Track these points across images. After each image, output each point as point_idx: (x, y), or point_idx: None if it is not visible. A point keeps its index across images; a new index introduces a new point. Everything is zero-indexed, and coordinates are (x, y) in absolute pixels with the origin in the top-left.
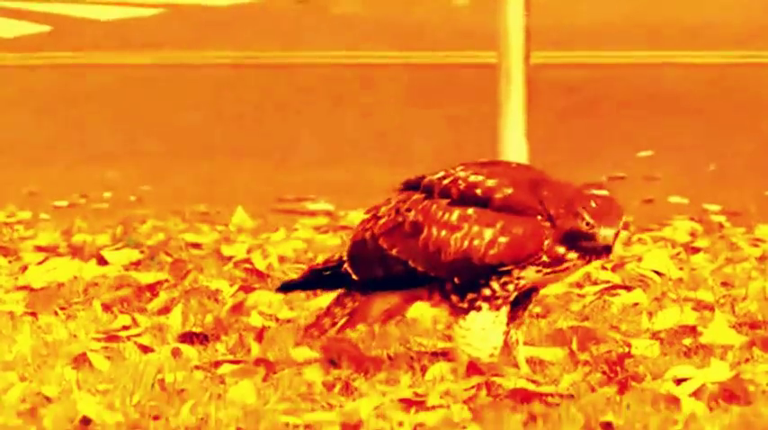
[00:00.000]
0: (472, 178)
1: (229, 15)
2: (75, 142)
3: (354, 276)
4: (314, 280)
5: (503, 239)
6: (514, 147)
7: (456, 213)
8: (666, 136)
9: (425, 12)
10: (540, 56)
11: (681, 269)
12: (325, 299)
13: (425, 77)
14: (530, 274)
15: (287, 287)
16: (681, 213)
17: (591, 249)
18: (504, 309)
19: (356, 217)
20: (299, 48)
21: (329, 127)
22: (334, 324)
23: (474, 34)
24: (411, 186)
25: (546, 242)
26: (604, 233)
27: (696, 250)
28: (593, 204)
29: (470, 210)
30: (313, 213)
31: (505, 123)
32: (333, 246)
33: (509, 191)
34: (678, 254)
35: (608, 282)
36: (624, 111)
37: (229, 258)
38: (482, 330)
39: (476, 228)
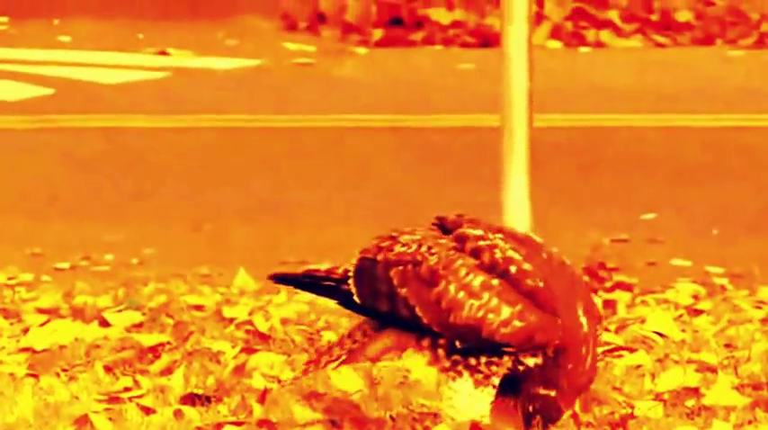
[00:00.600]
0: (510, 253)
1: (234, 79)
2: (76, 203)
3: (357, 298)
4: (309, 283)
5: (518, 323)
6: (517, 209)
7: (480, 279)
8: (669, 198)
9: (430, 76)
10: (542, 119)
11: (683, 331)
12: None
13: (429, 140)
14: (527, 361)
15: (280, 278)
16: (684, 276)
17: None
18: (490, 386)
19: None
20: (300, 110)
21: (331, 188)
22: (332, 360)
23: (479, 97)
24: (443, 226)
25: (556, 343)
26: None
27: (699, 312)
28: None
29: (495, 281)
30: None
31: (508, 185)
32: (335, 308)
33: (540, 284)
34: (681, 316)
35: (611, 343)
36: (627, 174)
37: (231, 320)
38: (468, 396)
39: (495, 302)
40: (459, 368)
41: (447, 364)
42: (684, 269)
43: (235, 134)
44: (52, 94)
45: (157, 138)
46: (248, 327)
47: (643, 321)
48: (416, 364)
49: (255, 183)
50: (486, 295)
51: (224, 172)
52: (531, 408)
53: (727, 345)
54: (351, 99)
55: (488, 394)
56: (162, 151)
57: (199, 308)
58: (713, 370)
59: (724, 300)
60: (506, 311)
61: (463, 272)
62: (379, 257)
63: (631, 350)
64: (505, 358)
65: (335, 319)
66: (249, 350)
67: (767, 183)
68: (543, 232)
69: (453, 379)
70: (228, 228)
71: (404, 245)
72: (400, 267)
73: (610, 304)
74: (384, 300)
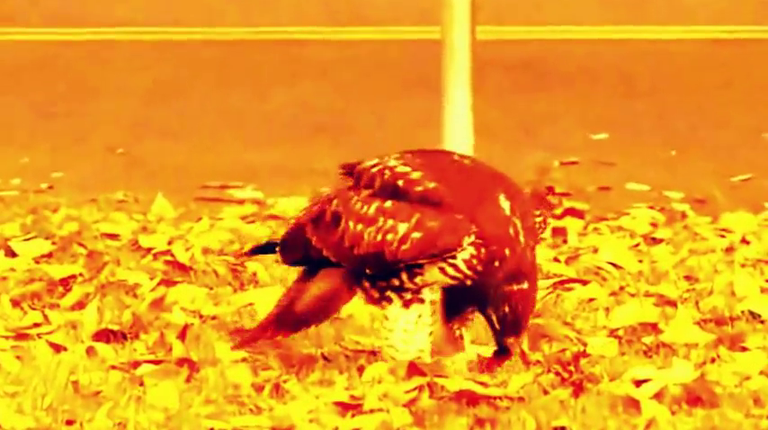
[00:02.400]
0: (399, 169)
1: None
2: None
3: (285, 264)
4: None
5: (416, 235)
6: (458, 127)
7: (374, 206)
8: (622, 118)
9: None
10: (485, 30)
11: (640, 261)
12: (253, 294)
13: (363, 54)
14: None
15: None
16: (640, 201)
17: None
18: (425, 308)
19: (287, 205)
20: (223, 23)
21: (257, 107)
22: (270, 323)
23: (417, 8)
24: (348, 171)
25: (466, 239)
26: (510, 341)
27: (657, 241)
28: (507, 309)
29: (388, 203)
30: (240, 201)
31: (449, 101)
32: (261, 236)
33: (431, 185)
34: (637, 245)
35: (561, 275)
36: (576, 91)
37: (148, 250)
38: (404, 332)
39: (390, 223)
40: (387, 293)
41: (376, 295)
42: (641, 194)
43: (147, 47)
44: None
45: (70, 52)
46: (167, 258)
47: (596, 251)
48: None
49: (177, 103)
50: (381, 219)
51: (143, 90)
52: (502, 313)
53: (687, 277)
54: (277, 10)
55: (424, 325)
56: (75, 67)
57: (113, 236)
58: (672, 304)
59: (684, 228)
60: (402, 227)
61: (358, 205)
62: (299, 222)
63: (584, 282)
64: (427, 267)
65: None
66: (168, 282)
67: (730, 99)
68: (487, 154)
69: (385, 307)
70: (146, 151)
71: (314, 203)
72: (312, 222)
73: (560, 232)
74: (305, 256)
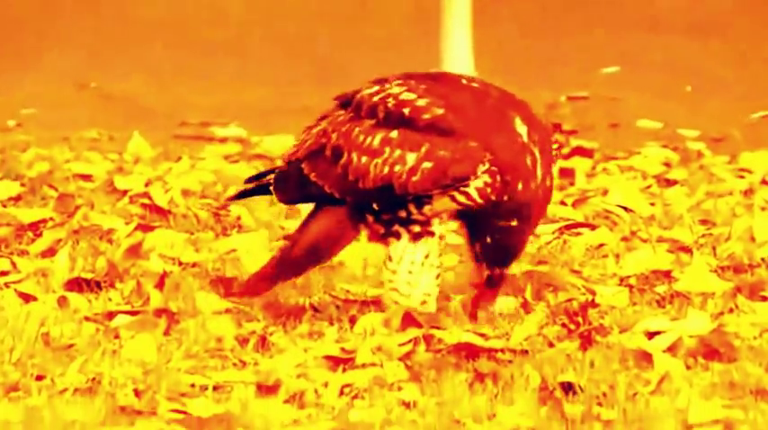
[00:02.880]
0: (404, 96)
1: None
2: None
3: (280, 202)
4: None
5: (427, 165)
6: (459, 60)
7: (379, 137)
8: (635, 51)
9: None
10: None
11: (653, 204)
12: (236, 240)
13: None
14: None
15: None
16: (653, 139)
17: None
18: (433, 246)
19: (272, 143)
20: None
21: (242, 43)
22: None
23: None
24: (344, 102)
25: (480, 167)
26: (496, 271)
27: (670, 182)
28: (490, 241)
29: (394, 133)
30: (222, 139)
31: (447, 37)
32: (245, 177)
33: (439, 111)
34: (649, 186)
35: (568, 219)
36: (585, 22)
37: (124, 192)
38: (409, 272)
39: (397, 153)
40: (395, 228)
41: (381, 230)
42: (653, 131)
43: None
44: None
45: None
46: (144, 201)
47: (605, 193)
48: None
49: (155, 38)
50: (387, 150)
51: (120, 28)
52: (488, 243)
53: (703, 221)
54: None
55: (431, 267)
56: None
57: (86, 177)
58: (687, 250)
59: (700, 168)
60: (411, 158)
61: (361, 137)
62: (293, 158)
63: (592, 227)
64: (437, 197)
65: None
66: (145, 227)
67: (749, 31)
68: None
69: (390, 244)
70: (122, 86)
71: (307, 138)
72: (309, 158)
73: (567, 173)
74: (304, 194)
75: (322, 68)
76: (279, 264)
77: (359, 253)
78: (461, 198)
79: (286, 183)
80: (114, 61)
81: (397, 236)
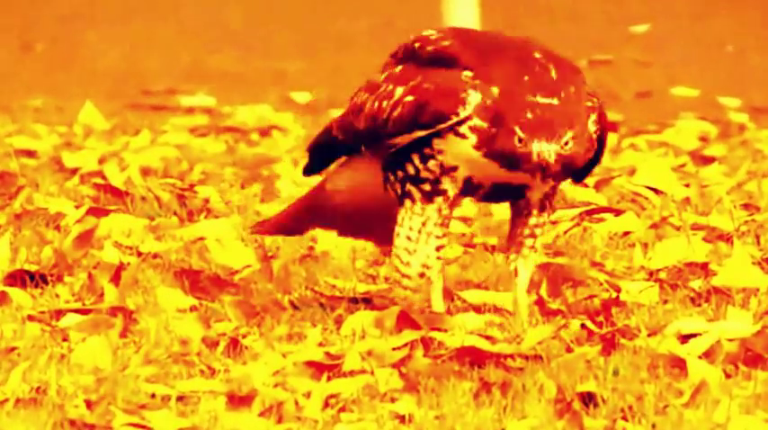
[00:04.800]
0: (426, 32)
1: None
2: None
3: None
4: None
5: (409, 98)
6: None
7: (385, 74)
8: (668, 5)
9: None
10: None
11: (687, 186)
12: (203, 226)
13: None
14: (454, 147)
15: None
16: (688, 110)
17: (527, 169)
18: (433, 213)
19: (245, 114)
20: None
21: (212, 3)
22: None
23: None
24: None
25: (468, 103)
26: (538, 149)
27: (708, 160)
28: (530, 115)
29: (398, 68)
30: (189, 110)
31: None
32: (215, 153)
33: (446, 42)
34: (684, 165)
35: (589, 203)
36: None
37: (74, 171)
38: (407, 240)
39: (389, 87)
40: (408, 187)
41: (399, 189)
42: (688, 101)
43: None
44: None
45: None
46: (97, 181)
47: (632, 173)
48: (323, 234)
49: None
50: (383, 85)
51: None
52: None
53: (745, 206)
54: None
55: (430, 236)
56: None
57: (30, 154)
58: (727, 239)
59: (742, 144)
60: (399, 91)
61: (380, 78)
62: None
63: (617, 212)
64: (437, 144)
65: (214, 169)
66: (99, 211)
67: None
68: None
69: (404, 205)
70: (73, 48)
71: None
72: (339, 119)
73: None
74: (329, 147)
75: (302, 32)
76: (309, 211)
77: (345, 243)
78: (462, 146)
79: (317, 148)
80: (64, 21)
81: (412, 198)
